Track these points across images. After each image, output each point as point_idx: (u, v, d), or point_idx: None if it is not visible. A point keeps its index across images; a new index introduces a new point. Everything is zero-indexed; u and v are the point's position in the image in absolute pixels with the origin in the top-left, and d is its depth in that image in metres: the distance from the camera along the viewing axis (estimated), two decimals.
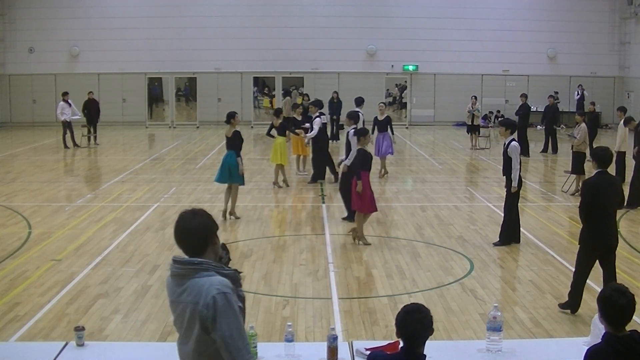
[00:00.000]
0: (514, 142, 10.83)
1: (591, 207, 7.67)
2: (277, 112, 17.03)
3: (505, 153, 10.90)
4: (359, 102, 17.13)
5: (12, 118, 32.14)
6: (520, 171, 10.83)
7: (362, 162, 11.03)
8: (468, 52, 31.99)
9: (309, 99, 27.47)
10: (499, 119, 31.60)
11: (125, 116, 32.04)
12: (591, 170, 8.21)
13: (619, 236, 8.16)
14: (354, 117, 13.50)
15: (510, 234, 11.10)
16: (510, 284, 9.23)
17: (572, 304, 8.04)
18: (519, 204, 11.28)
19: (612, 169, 17.06)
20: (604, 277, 7.90)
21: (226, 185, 12.92)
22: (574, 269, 8.18)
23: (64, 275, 9.37)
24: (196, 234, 3.61)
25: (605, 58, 32.59)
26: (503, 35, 31.92)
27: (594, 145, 20.73)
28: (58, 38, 31.73)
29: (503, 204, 11.23)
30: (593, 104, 21.95)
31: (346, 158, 12.54)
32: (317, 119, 16.52)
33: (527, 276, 9.51)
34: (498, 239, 11.14)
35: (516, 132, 11.96)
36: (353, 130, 12.64)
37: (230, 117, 12.74)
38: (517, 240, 11.12)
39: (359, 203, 10.97)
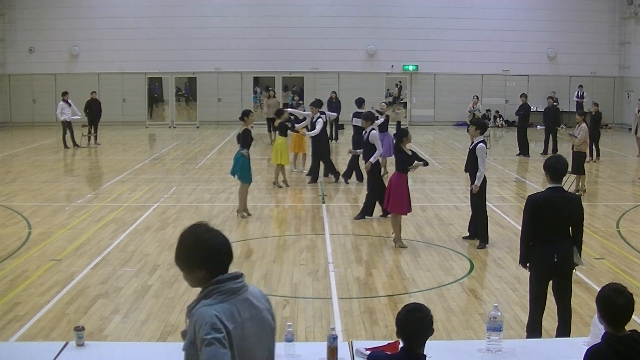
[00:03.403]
0: (481, 144, 10.75)
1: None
2: (279, 112, 17.04)
3: (472, 152, 10.82)
4: (360, 102, 17.12)
5: (12, 118, 32.13)
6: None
7: (403, 163, 10.86)
8: (468, 52, 31.97)
9: (299, 99, 27.54)
10: (497, 118, 31.88)
11: (125, 116, 32.02)
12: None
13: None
14: (370, 117, 13.47)
15: (486, 232, 11.02)
16: (510, 284, 9.22)
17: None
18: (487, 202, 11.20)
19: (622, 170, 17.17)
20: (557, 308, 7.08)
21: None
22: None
23: (64, 275, 9.37)
24: None
25: (605, 58, 32.57)
26: (503, 35, 31.89)
27: (599, 146, 20.79)
28: (58, 38, 31.71)
29: (474, 200, 11.06)
30: (597, 104, 21.84)
31: (371, 157, 12.49)
32: (319, 119, 16.54)
33: (527, 276, 9.46)
34: (479, 241, 11.00)
35: (486, 133, 11.77)
36: (372, 130, 12.73)
37: (245, 115, 12.89)
38: (486, 241, 10.97)
39: (398, 205, 10.82)
